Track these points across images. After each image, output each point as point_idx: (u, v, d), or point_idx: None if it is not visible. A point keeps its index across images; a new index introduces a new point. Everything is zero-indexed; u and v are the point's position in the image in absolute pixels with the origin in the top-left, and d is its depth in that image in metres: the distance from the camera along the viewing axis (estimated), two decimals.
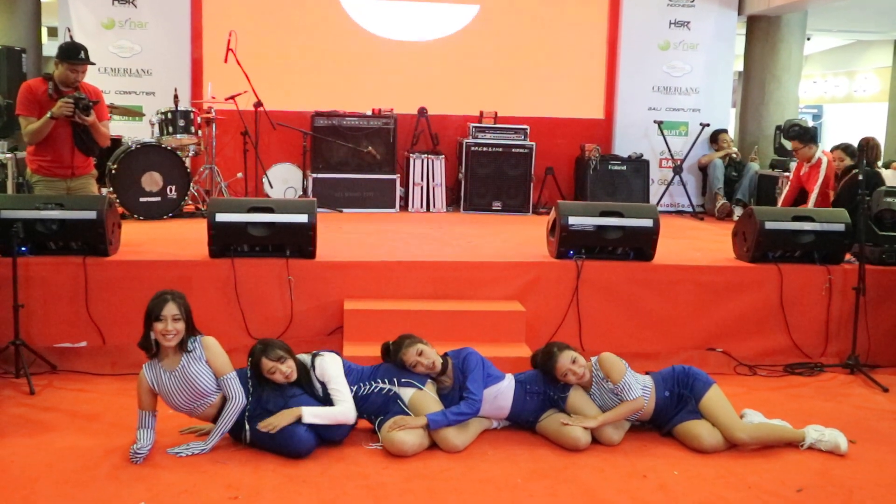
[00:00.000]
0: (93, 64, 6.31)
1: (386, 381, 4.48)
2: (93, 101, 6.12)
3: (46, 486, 3.82)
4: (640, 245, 5.96)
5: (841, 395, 5.42)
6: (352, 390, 4.40)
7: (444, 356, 4.59)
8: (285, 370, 4.28)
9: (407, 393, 4.45)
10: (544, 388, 4.56)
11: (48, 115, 5.97)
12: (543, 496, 3.89)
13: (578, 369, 4.48)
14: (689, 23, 10.05)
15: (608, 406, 4.50)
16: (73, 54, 6.09)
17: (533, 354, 4.74)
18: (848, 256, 6.14)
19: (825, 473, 4.18)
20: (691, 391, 4.51)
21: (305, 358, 4.46)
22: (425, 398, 4.44)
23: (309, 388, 4.38)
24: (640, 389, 4.48)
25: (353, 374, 4.49)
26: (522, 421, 4.59)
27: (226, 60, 8.43)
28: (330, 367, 4.42)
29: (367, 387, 4.45)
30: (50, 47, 11.30)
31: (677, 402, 4.52)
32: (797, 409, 5.10)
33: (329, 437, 4.30)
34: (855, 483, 4.08)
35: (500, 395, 4.55)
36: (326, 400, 4.37)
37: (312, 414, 4.21)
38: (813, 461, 4.31)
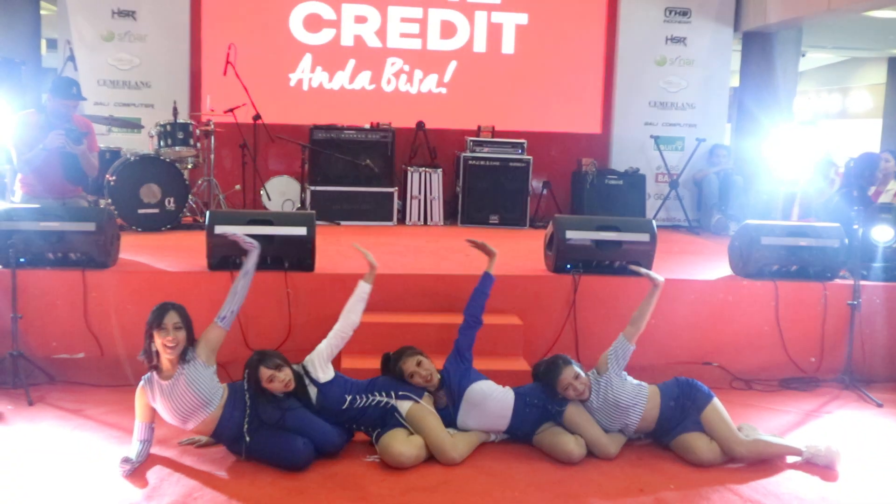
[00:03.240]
0: (84, 99, 6.44)
1: (383, 393, 4.49)
2: (83, 131, 6.24)
3: (42, 496, 3.83)
4: (638, 259, 5.96)
5: (836, 410, 5.45)
6: (347, 401, 4.42)
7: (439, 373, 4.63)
8: (283, 378, 4.29)
9: (404, 406, 4.46)
10: (543, 400, 4.58)
11: (40, 146, 6.10)
12: None
13: (579, 385, 4.50)
14: (685, 39, 10.12)
15: (606, 418, 4.54)
16: (66, 91, 6.25)
17: (536, 364, 4.76)
18: (843, 272, 6.17)
19: (821, 488, 4.20)
20: (693, 402, 4.55)
21: (297, 368, 4.48)
22: (422, 411, 4.45)
23: (305, 399, 4.40)
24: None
25: (350, 387, 4.51)
26: (521, 434, 4.60)
27: (225, 73, 8.48)
28: (314, 352, 4.57)
29: (364, 400, 4.46)
30: (49, 59, 11.35)
31: (680, 413, 4.55)
32: (793, 424, 5.14)
33: (326, 449, 4.32)
34: (850, 498, 4.11)
35: (494, 400, 4.57)
36: (322, 411, 4.39)
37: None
38: (809, 476, 4.33)
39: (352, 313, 4.71)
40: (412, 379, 4.53)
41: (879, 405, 5.52)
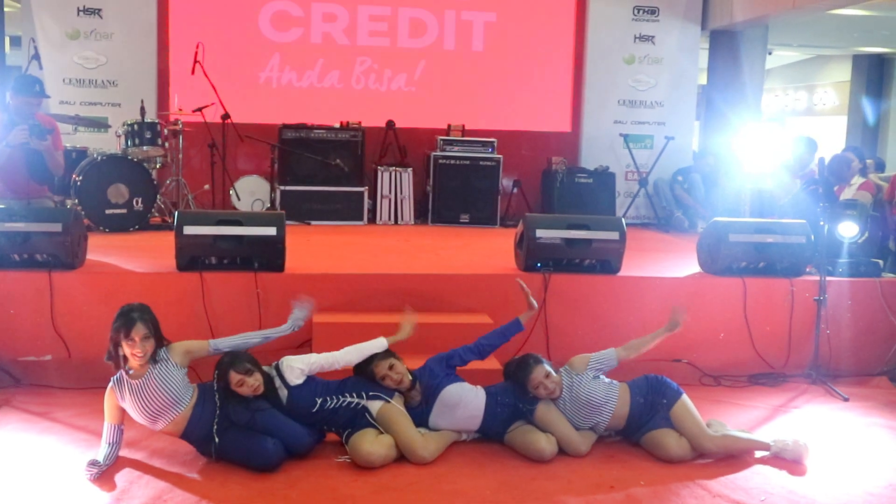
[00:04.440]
0: (48, 97, 6.36)
1: (354, 394, 4.48)
2: (47, 129, 6.17)
3: (9, 501, 3.78)
4: (607, 257, 6.01)
5: (803, 405, 5.51)
6: (318, 403, 4.41)
7: (412, 373, 4.61)
8: (253, 383, 4.26)
9: (375, 406, 4.45)
10: (514, 399, 4.59)
11: (3, 143, 6.02)
12: None
13: (550, 384, 4.52)
14: (653, 37, 10.18)
15: (577, 418, 4.56)
16: (29, 89, 6.17)
17: (507, 363, 4.77)
18: (809, 268, 6.24)
19: (789, 482, 4.25)
20: (663, 399, 4.58)
21: (269, 370, 4.46)
22: (393, 411, 4.45)
23: (275, 401, 4.38)
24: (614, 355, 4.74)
25: (321, 388, 4.49)
26: (493, 432, 4.61)
27: (193, 72, 8.41)
28: (300, 359, 4.51)
29: (335, 400, 4.44)
30: (13, 57, 11.20)
31: (650, 410, 4.58)
32: (761, 419, 5.19)
33: (297, 450, 4.31)
34: (817, 492, 4.16)
35: (466, 403, 4.57)
36: (292, 411, 4.38)
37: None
38: (777, 470, 4.38)
39: (351, 355, 4.59)
40: (384, 381, 4.51)
41: (846, 399, 5.59)
